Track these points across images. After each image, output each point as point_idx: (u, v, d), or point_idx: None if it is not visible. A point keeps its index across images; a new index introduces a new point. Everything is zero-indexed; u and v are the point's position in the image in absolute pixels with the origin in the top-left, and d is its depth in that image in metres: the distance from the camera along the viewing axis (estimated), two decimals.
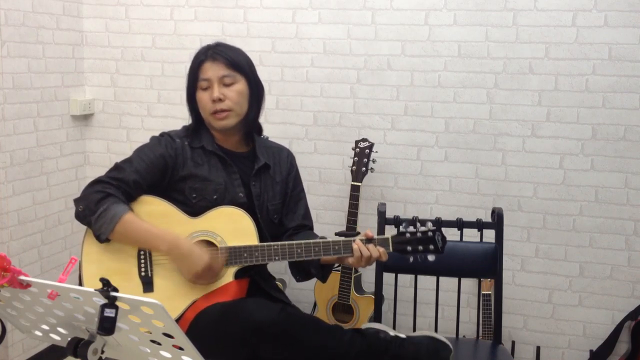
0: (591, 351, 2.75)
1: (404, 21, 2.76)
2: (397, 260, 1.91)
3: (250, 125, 2.05)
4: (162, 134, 2.02)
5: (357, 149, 2.68)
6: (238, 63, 1.97)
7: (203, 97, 1.96)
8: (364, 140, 2.69)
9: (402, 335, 1.80)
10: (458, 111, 2.77)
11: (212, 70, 1.95)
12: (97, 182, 1.88)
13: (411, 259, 1.84)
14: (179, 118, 3.01)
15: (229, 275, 1.87)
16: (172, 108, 3.06)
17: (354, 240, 1.82)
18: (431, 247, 1.82)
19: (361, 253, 1.80)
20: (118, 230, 1.82)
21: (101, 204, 1.82)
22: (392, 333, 1.80)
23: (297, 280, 2.05)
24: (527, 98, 2.69)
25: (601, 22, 2.58)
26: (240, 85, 1.97)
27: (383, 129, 2.85)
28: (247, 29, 2.94)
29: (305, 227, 2.11)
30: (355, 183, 2.66)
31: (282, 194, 2.08)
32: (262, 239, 1.92)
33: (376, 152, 2.72)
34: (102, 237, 1.83)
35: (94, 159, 3.20)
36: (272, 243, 1.86)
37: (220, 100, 1.93)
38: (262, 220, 1.99)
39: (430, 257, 1.83)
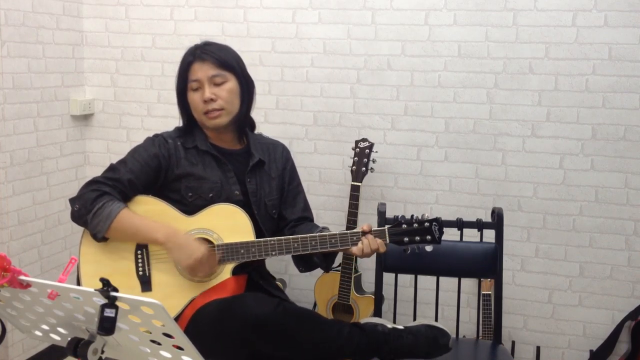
0: (591, 351, 2.75)
1: (404, 21, 2.76)
2: (397, 260, 1.91)
3: (243, 121, 2.05)
4: (156, 135, 2.03)
5: (357, 149, 2.68)
6: (227, 62, 1.97)
7: (194, 97, 1.97)
8: (364, 140, 2.69)
9: (400, 327, 1.80)
10: (458, 111, 2.77)
11: (202, 71, 1.95)
12: (93, 182, 1.89)
13: (408, 250, 1.84)
14: (179, 118, 3.00)
15: (226, 272, 1.87)
16: (172, 108, 3.03)
17: (361, 236, 1.82)
18: (428, 237, 1.82)
19: (370, 246, 1.81)
20: (114, 227, 1.82)
21: (97, 202, 1.83)
22: (389, 325, 1.81)
23: (301, 271, 2.05)
24: (527, 98, 2.69)
25: (601, 22, 2.58)
26: (231, 84, 1.97)
27: (383, 129, 2.85)
28: (247, 29, 2.94)
29: (306, 219, 2.11)
30: (355, 183, 2.66)
31: (279, 188, 2.09)
32: (258, 235, 1.92)
33: (376, 152, 2.72)
34: (99, 236, 1.84)
35: (94, 159, 3.20)
36: (268, 238, 1.86)
37: (212, 100, 1.94)
38: (260, 217, 1.99)
39: (428, 248, 1.83)
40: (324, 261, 1.99)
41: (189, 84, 1.98)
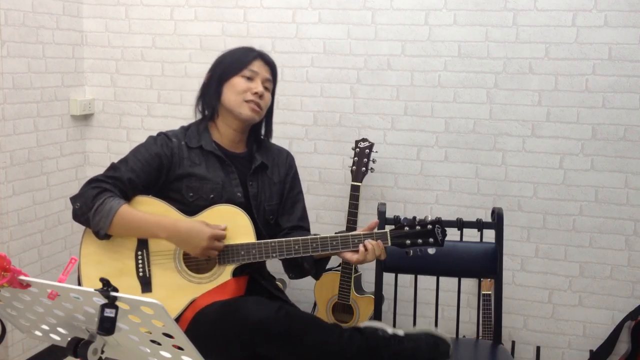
0: (591, 351, 2.75)
1: (404, 21, 2.76)
2: (397, 260, 1.91)
3: (254, 132, 2.10)
4: (159, 134, 2.02)
5: (357, 149, 2.68)
6: (276, 78, 2.09)
7: (242, 82, 1.99)
8: (364, 140, 2.69)
9: (401, 332, 1.80)
10: (458, 111, 2.77)
11: (263, 70, 2.02)
12: (93, 180, 1.89)
13: (411, 253, 1.84)
14: (179, 118, 3.01)
15: (226, 274, 1.87)
16: (172, 108, 3.06)
17: (362, 239, 1.83)
18: (431, 240, 1.83)
19: (375, 252, 1.82)
20: (116, 222, 1.82)
21: (97, 198, 1.83)
22: (390, 330, 1.80)
23: (290, 278, 2.06)
24: (527, 98, 2.69)
25: (601, 22, 2.58)
26: (270, 96, 2.06)
27: (383, 129, 2.85)
28: (247, 29, 2.94)
29: (300, 228, 2.10)
30: (355, 183, 2.66)
31: (280, 194, 2.08)
32: (259, 237, 1.92)
33: (376, 152, 2.72)
34: (102, 232, 1.84)
35: (94, 159, 3.20)
36: (269, 240, 1.86)
37: (260, 96, 1.99)
38: (259, 221, 1.99)
39: (430, 250, 1.83)
40: (314, 267, 1.99)
41: (243, 71, 2.00)
